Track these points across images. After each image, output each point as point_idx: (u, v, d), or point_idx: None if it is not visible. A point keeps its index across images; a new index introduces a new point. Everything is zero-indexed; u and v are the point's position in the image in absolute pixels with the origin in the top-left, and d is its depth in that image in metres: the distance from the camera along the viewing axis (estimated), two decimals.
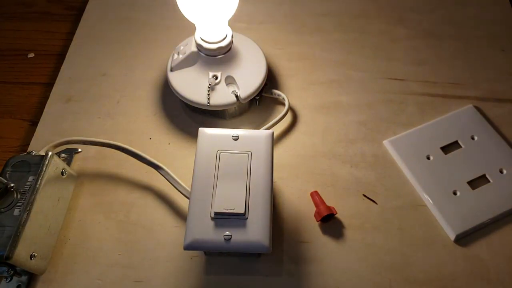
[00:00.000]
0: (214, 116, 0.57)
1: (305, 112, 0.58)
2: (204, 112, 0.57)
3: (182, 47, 0.57)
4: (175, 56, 0.57)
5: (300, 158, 0.54)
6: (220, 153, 0.45)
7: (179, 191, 0.49)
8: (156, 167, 0.50)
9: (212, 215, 0.42)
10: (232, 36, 0.54)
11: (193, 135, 0.56)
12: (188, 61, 0.55)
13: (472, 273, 0.46)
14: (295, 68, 0.62)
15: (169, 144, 0.55)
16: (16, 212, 0.43)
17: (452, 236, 0.48)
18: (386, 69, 0.62)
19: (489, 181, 0.51)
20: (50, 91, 0.60)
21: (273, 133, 0.47)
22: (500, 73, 0.61)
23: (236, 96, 0.54)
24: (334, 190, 0.52)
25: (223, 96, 0.54)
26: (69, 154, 0.54)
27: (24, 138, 0.57)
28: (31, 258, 0.43)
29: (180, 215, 0.50)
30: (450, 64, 0.62)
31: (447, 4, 0.69)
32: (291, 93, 0.59)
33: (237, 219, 0.42)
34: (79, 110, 0.58)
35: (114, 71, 0.62)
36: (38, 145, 0.54)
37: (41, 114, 0.58)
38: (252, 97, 0.56)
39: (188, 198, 0.44)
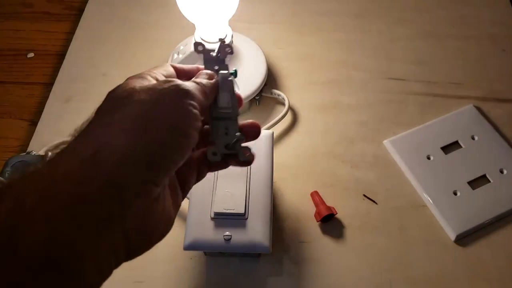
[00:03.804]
0: None
1: (305, 112, 0.58)
2: None
3: (182, 47, 0.57)
4: (175, 56, 0.57)
5: (300, 158, 0.54)
6: None
7: None
8: None
9: (212, 215, 0.42)
10: (232, 36, 0.54)
11: None
12: (188, 61, 0.55)
13: (473, 273, 0.46)
14: (295, 68, 0.62)
15: None
16: None
17: (453, 236, 0.48)
18: (386, 69, 0.62)
19: (489, 181, 0.51)
20: (50, 91, 0.60)
21: (273, 133, 0.47)
22: (501, 73, 0.61)
23: None
24: (334, 190, 0.51)
25: None
26: None
27: (23, 138, 0.57)
28: None
29: (180, 215, 0.50)
30: (451, 64, 0.62)
31: (447, 4, 0.69)
32: (291, 93, 0.59)
33: (237, 219, 0.42)
34: (79, 110, 0.58)
35: (114, 71, 0.62)
36: (38, 145, 0.54)
37: (41, 114, 0.58)
38: (252, 97, 0.56)
39: (188, 198, 0.44)
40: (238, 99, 0.33)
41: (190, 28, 0.54)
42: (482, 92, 0.59)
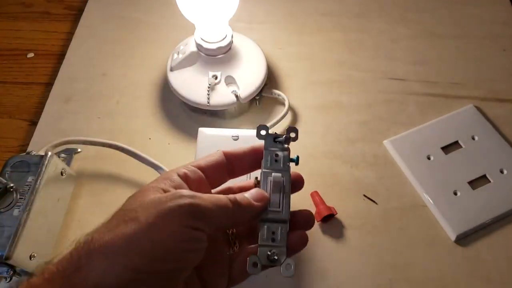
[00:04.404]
0: (214, 116, 0.57)
1: (305, 112, 0.58)
2: (204, 112, 0.57)
3: (182, 47, 0.57)
4: (175, 56, 0.57)
5: (300, 158, 0.54)
6: None
7: None
8: (156, 167, 0.50)
9: None
10: (232, 36, 0.54)
11: (193, 135, 0.56)
12: (188, 61, 0.55)
13: (473, 273, 0.46)
14: (295, 68, 0.62)
15: (169, 144, 0.55)
16: (16, 212, 0.43)
17: (453, 236, 0.48)
18: (386, 69, 0.62)
19: (489, 181, 0.51)
20: (50, 91, 0.60)
21: None
22: (501, 73, 0.61)
23: (236, 96, 0.54)
24: (334, 190, 0.51)
25: (223, 96, 0.54)
26: (68, 154, 0.54)
27: (23, 138, 0.57)
28: (30, 258, 0.43)
29: None
30: (451, 64, 0.62)
31: (447, 4, 0.69)
32: (291, 93, 0.59)
33: None
34: (79, 110, 0.58)
35: (114, 71, 0.62)
36: (38, 145, 0.54)
37: (41, 114, 0.58)
38: (252, 97, 0.55)
39: None
40: (298, 179, 0.31)
41: (190, 28, 0.54)
42: (482, 92, 0.59)
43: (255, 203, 0.29)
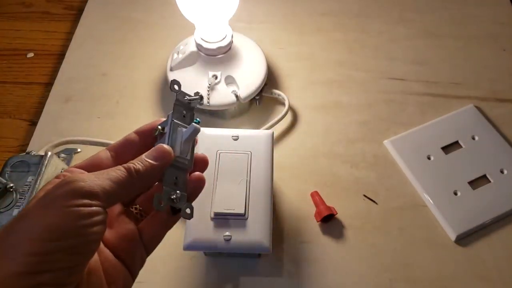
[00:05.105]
0: (214, 116, 0.57)
1: (305, 112, 0.58)
2: (204, 112, 0.57)
3: (182, 47, 0.57)
4: (175, 55, 0.57)
5: (300, 158, 0.54)
6: (220, 153, 0.45)
7: None
8: None
9: (212, 215, 0.42)
10: (232, 36, 0.54)
11: None
12: (188, 61, 0.55)
13: (473, 273, 0.46)
14: (295, 68, 0.62)
15: None
16: (15, 212, 0.43)
17: (453, 236, 0.48)
18: (386, 69, 0.62)
19: (489, 181, 0.51)
20: (50, 91, 0.60)
21: (273, 133, 0.47)
22: (501, 73, 0.61)
23: (236, 96, 0.54)
24: (334, 190, 0.51)
25: (223, 96, 0.54)
26: (68, 154, 0.54)
27: (23, 138, 0.57)
28: None
29: None
30: (451, 64, 0.62)
31: (447, 4, 0.69)
32: (291, 93, 0.59)
33: (237, 219, 0.42)
34: (79, 110, 0.58)
35: (114, 71, 0.62)
36: (38, 145, 0.54)
37: (41, 114, 0.58)
38: (252, 97, 0.55)
39: None
40: (203, 160, 0.33)
41: (190, 28, 0.54)
42: (483, 92, 0.59)
43: (155, 163, 0.29)
